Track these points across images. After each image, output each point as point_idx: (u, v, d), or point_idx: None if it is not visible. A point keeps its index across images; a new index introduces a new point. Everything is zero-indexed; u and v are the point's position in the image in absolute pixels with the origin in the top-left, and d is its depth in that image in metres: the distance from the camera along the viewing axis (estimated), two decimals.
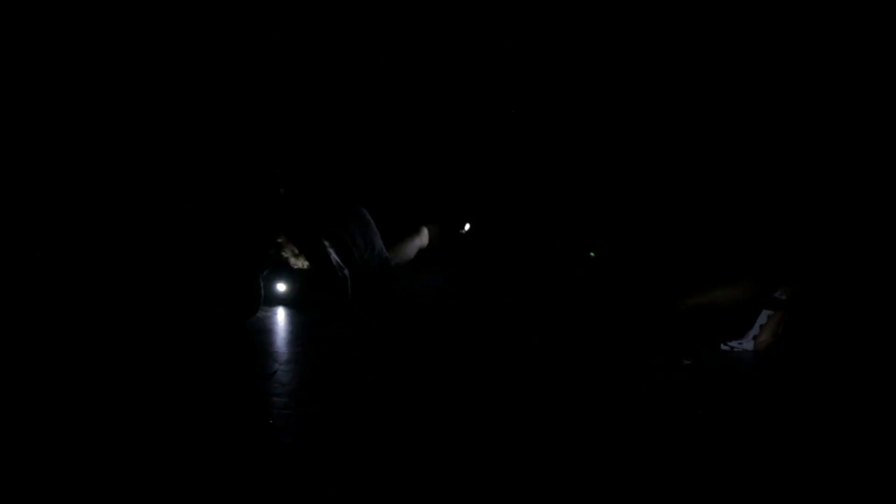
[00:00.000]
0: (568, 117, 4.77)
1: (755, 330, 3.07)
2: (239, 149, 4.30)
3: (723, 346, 3.11)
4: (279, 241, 3.84)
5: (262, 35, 4.42)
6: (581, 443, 1.90)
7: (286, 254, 3.88)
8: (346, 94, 4.73)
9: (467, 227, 4.47)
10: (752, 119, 4.35)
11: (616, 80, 4.61)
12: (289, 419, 2.07)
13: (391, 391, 2.45)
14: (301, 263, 3.89)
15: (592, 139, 4.73)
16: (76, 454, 1.72)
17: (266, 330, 3.89)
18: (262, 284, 3.87)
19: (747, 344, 3.07)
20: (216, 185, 4.09)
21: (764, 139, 4.31)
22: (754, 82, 4.31)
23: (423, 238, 4.01)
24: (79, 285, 3.59)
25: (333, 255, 3.71)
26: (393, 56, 4.69)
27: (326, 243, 3.70)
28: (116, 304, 3.52)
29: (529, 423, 2.06)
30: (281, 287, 5.00)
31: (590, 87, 4.68)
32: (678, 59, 4.45)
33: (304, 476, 1.62)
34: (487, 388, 2.48)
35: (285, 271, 4.66)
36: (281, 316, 4.52)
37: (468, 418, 2.10)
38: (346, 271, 3.68)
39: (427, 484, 1.58)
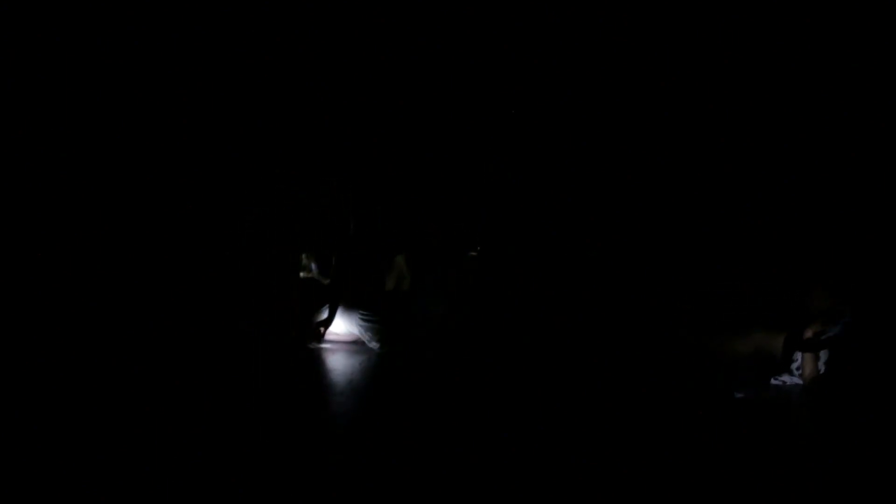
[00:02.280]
0: (568, 117, 4.77)
1: (799, 364, 3.02)
2: (239, 149, 4.31)
3: (773, 381, 3.07)
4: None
5: (262, 35, 4.42)
6: (581, 443, 1.90)
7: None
8: (347, 94, 4.72)
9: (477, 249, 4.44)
10: (751, 119, 4.35)
11: (616, 80, 4.61)
12: (289, 419, 2.07)
13: (391, 391, 2.46)
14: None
15: (592, 139, 4.73)
16: (76, 454, 1.72)
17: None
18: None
19: (797, 378, 3.03)
20: (216, 186, 4.09)
21: (763, 139, 4.31)
22: (754, 82, 4.32)
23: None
24: (79, 285, 3.59)
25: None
26: (393, 56, 4.69)
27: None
28: (117, 304, 3.52)
29: (529, 423, 2.06)
30: None
31: (590, 87, 4.68)
32: (678, 59, 4.45)
33: (305, 476, 1.62)
34: (487, 388, 2.48)
35: None
36: None
37: (468, 418, 2.10)
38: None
39: (427, 484, 1.58)
